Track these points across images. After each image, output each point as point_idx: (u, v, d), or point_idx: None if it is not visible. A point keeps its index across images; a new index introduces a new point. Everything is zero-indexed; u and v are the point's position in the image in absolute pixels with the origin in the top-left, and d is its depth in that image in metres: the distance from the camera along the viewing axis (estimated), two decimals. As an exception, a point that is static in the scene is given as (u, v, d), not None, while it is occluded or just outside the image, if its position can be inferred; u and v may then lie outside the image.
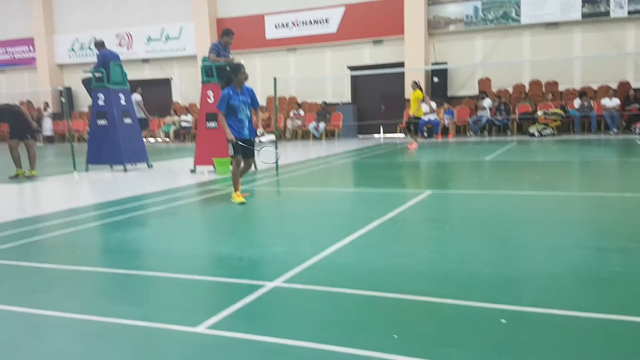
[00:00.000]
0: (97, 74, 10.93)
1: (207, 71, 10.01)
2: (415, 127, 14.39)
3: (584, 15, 16.45)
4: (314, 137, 19.26)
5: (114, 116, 10.82)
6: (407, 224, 5.43)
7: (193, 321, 2.93)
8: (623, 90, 16.01)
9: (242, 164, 6.71)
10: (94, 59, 11.50)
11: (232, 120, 6.55)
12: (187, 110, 21.21)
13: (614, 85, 16.25)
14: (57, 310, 3.23)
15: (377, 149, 14.32)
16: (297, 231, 5.29)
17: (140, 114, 15.02)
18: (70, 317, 3.13)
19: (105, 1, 23.19)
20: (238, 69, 6.54)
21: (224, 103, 6.45)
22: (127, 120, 11.11)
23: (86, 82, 11.38)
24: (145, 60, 23.24)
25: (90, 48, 23.14)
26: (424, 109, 17.19)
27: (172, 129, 21.12)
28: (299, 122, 19.69)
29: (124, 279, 3.91)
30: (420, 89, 13.95)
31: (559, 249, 4.14)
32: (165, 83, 23.15)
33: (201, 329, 2.85)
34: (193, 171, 10.13)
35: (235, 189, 6.61)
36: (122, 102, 11.11)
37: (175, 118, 21.38)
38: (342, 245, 4.46)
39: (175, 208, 6.70)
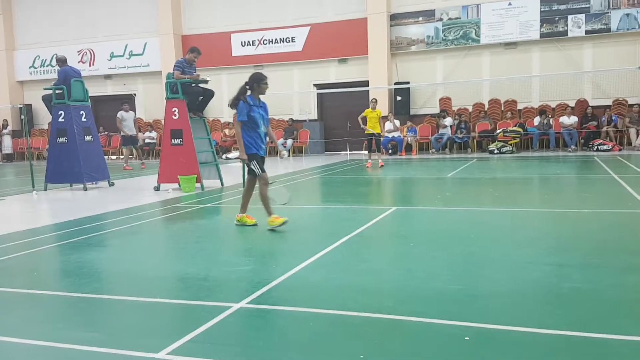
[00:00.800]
0: (57, 91, 10.70)
1: (171, 88, 9.92)
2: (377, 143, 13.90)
3: (542, 35, 17.04)
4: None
5: (74, 133, 10.58)
6: (373, 240, 5.46)
7: (154, 347, 2.85)
8: (581, 108, 16.58)
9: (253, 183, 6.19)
10: (55, 76, 11.25)
11: (251, 134, 5.91)
12: (152, 126, 20.93)
13: (572, 103, 16.82)
14: (13, 336, 3.11)
15: (344, 165, 14.40)
16: (264, 249, 5.24)
17: (133, 130, 15.38)
18: (27, 344, 3.01)
19: (68, 17, 22.84)
20: (261, 77, 5.99)
21: (245, 112, 5.83)
22: (88, 138, 10.88)
23: (46, 99, 11.13)
24: (107, 76, 22.93)
25: (51, 64, 22.72)
26: (387, 127, 17.47)
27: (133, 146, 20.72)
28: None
29: (82, 303, 3.79)
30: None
31: (520, 265, 4.22)
32: (129, 99, 22.78)
33: (162, 355, 2.77)
34: (157, 189, 9.97)
35: (269, 213, 5.97)
36: (83, 119, 10.88)
37: (139, 134, 21.01)
38: (310, 263, 4.45)
39: (137, 227, 6.56)
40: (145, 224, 6.87)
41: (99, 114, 23.35)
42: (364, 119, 13.22)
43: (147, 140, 20.64)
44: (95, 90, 22.97)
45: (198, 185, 9.81)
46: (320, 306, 3.41)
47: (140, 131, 21.07)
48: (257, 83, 5.94)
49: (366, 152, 18.09)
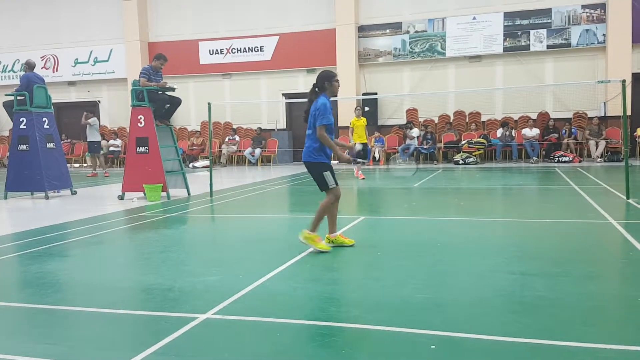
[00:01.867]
0: (19, 97, 10.42)
1: (137, 95, 9.78)
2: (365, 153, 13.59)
3: (505, 49, 17.48)
4: (250, 163, 19.17)
5: (36, 141, 10.31)
6: (341, 249, 5.46)
7: None
8: (542, 121, 17.04)
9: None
10: (18, 82, 10.97)
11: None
12: (116, 134, 20.58)
13: (534, 116, 17.27)
14: (-34, 350, 2.99)
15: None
16: (231, 259, 5.19)
17: (96, 136, 15.16)
18: (-19, 358, 2.90)
19: (31, 23, 22.33)
20: (332, 75, 5.27)
21: (330, 113, 5.13)
22: (50, 145, 10.62)
23: (7, 106, 10.83)
24: (71, 83, 22.47)
25: (13, 70, 22.18)
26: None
27: (100, 153, 20.33)
28: (234, 148, 19.56)
29: (43, 315, 3.68)
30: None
31: (485, 274, 4.29)
32: (93, 106, 22.39)
33: (126, 366, 2.72)
34: (121, 198, 9.78)
35: (332, 231, 5.39)
36: (46, 126, 10.62)
37: (103, 142, 20.62)
38: (277, 273, 4.43)
39: (100, 237, 6.42)
40: (109, 233, 6.73)
41: (62, 121, 22.84)
42: (352, 130, 12.75)
43: (111, 148, 20.26)
44: (58, 96, 22.45)
45: (164, 194, 9.67)
46: (287, 316, 3.40)
47: (104, 138, 20.72)
48: (329, 81, 5.22)
49: (336, 162, 18.26)
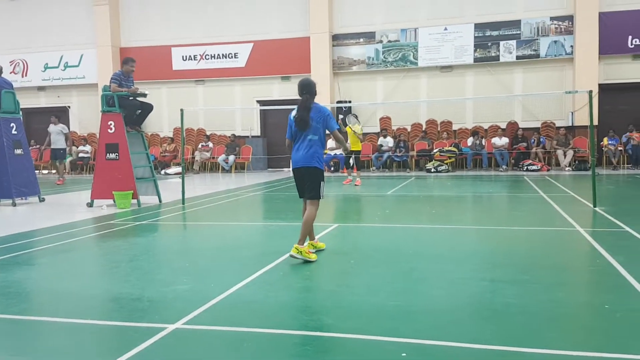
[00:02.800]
0: (-15, 102, 10.16)
1: (107, 100, 9.64)
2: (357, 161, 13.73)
3: (475, 60, 17.79)
4: (223, 170, 19.03)
5: (3, 147, 10.06)
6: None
7: (84, 370, 2.72)
8: (511, 130, 17.37)
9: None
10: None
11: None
12: (86, 140, 20.22)
13: (503, 125, 17.59)
14: None
15: (287, 181, 14.39)
16: (203, 268, 5.13)
17: (64, 144, 14.67)
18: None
19: (0, 27, 21.80)
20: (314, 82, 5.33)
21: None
22: (18, 151, 10.37)
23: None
24: (41, 88, 22.02)
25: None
26: (329, 144, 17.71)
27: (69, 159, 19.96)
28: (208, 155, 19.40)
29: (8, 325, 3.57)
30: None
31: (456, 281, 4.34)
32: (62, 111, 21.98)
33: (93, 377, 2.65)
34: (90, 205, 9.60)
35: (312, 238, 5.47)
36: (14, 131, 10.38)
37: (73, 148, 20.24)
38: (249, 281, 4.39)
39: (68, 245, 6.28)
40: (77, 241, 6.59)
41: (31, 126, 22.35)
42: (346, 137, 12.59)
43: (80, 155, 19.90)
44: (27, 102, 21.95)
45: (134, 201, 9.52)
46: (259, 325, 3.37)
47: (73, 144, 20.34)
48: (315, 89, 5.31)
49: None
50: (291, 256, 5.03)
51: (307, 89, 5.24)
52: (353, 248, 5.93)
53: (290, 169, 5.34)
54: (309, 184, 5.26)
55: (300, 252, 5.03)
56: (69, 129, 14.24)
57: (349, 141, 12.56)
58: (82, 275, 4.93)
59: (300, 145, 5.25)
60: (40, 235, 6.94)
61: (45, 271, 5.13)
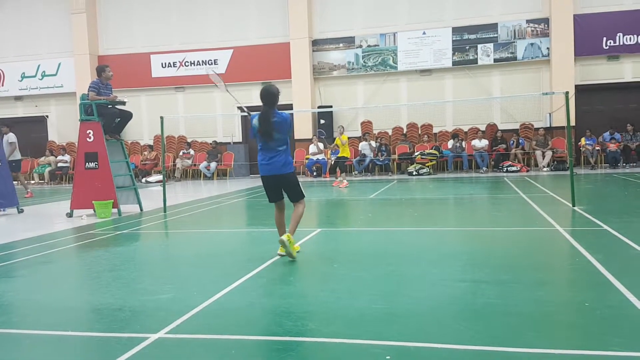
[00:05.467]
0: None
1: (86, 109, 9.54)
2: (342, 166, 14.73)
3: (454, 63, 17.98)
4: (205, 177, 18.93)
5: (-22, 157, 9.90)
6: (298, 262, 5.44)
7: (65, 382, 2.68)
8: (491, 132, 17.56)
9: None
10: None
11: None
12: (65, 149, 19.97)
13: (483, 127, 17.78)
14: None
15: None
16: (185, 276, 5.09)
17: (15, 155, 13.82)
18: None
19: (-27, 35, 21.50)
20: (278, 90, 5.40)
21: None
22: (-6, 162, 10.21)
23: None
24: (18, 98, 21.72)
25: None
26: (311, 149, 17.79)
27: (48, 169, 19.70)
28: (189, 162, 19.28)
29: (-16, 340, 3.51)
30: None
31: (438, 282, 4.37)
32: (40, 121, 21.72)
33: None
34: (70, 215, 9.47)
35: (282, 233, 5.53)
36: (-11, 142, 10.22)
37: (51, 158, 20.01)
38: (232, 288, 4.37)
39: (47, 256, 6.18)
40: (57, 252, 6.49)
41: (8, 136, 21.98)
42: (336, 145, 14.46)
43: (59, 164, 19.64)
44: (4, 112, 21.69)
45: (115, 210, 9.42)
46: (243, 332, 3.35)
47: (52, 154, 20.08)
48: (277, 98, 5.38)
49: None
50: (280, 241, 5.23)
51: (267, 98, 5.31)
52: (336, 252, 5.94)
53: (261, 174, 5.51)
54: (290, 190, 5.52)
55: (290, 241, 5.21)
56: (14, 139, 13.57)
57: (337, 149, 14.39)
58: (63, 287, 4.86)
59: (270, 155, 5.35)
60: (20, 247, 6.82)
61: (25, 283, 5.04)
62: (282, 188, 5.50)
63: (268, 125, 5.24)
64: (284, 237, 5.20)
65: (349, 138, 15.03)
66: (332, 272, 4.95)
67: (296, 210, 5.55)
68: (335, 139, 14.75)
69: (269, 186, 5.50)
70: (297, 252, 5.46)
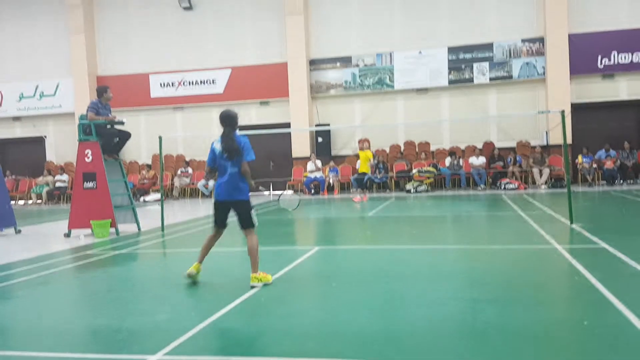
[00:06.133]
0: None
1: (84, 129, 9.57)
2: (360, 182, 16.10)
3: (450, 82, 18.13)
4: (203, 195, 18.92)
5: (-24, 177, 9.90)
6: (296, 281, 5.43)
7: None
8: (488, 150, 17.64)
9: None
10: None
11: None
12: (63, 169, 19.97)
13: (480, 145, 17.86)
14: None
15: (267, 206, 14.35)
16: (183, 296, 5.07)
17: None
18: None
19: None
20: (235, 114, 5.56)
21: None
22: (-8, 182, 10.20)
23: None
24: (16, 118, 21.79)
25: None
26: (309, 167, 17.85)
27: (46, 189, 19.68)
28: (187, 180, 19.30)
29: (-20, 362, 3.48)
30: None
31: (437, 301, 4.35)
32: (39, 141, 21.76)
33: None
34: (67, 235, 9.44)
35: (201, 260, 5.54)
36: (-13, 162, 10.23)
37: (49, 178, 20.00)
38: (230, 309, 4.35)
39: (45, 277, 6.15)
40: (54, 273, 6.46)
41: (7, 157, 22.12)
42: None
43: (57, 184, 19.62)
44: (3, 132, 21.78)
45: (113, 230, 9.40)
46: (240, 353, 3.34)
47: (50, 174, 20.09)
48: (237, 121, 5.55)
49: (290, 191, 18.40)
50: (252, 287, 5.02)
51: (227, 121, 5.47)
52: (334, 271, 5.92)
53: (214, 199, 5.56)
54: (240, 216, 5.36)
55: (259, 279, 5.11)
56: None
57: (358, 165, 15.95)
58: (60, 308, 4.84)
59: (222, 178, 5.39)
60: (17, 267, 6.79)
61: (22, 304, 5.02)
62: (227, 214, 5.45)
63: (232, 144, 5.32)
64: (252, 283, 5.04)
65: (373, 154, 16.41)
66: (330, 291, 4.94)
67: (249, 244, 5.31)
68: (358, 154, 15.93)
69: (219, 210, 5.48)
70: (269, 283, 5.14)
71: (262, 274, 5.17)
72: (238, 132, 5.54)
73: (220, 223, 5.50)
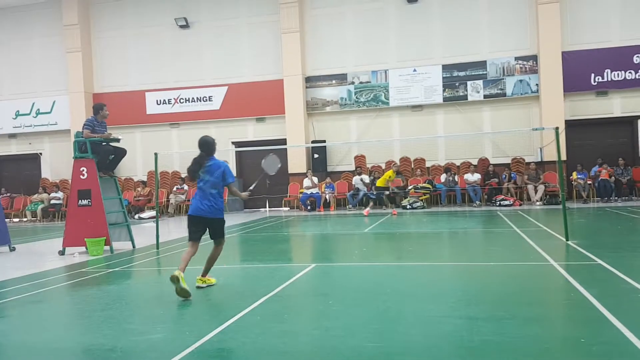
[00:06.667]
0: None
1: (80, 147, 9.57)
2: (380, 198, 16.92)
3: (445, 99, 18.26)
4: (198, 213, 18.83)
5: (-30, 195, 9.85)
6: (292, 299, 5.40)
7: None
8: (483, 166, 17.71)
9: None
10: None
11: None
12: (58, 187, 19.92)
13: (475, 162, 17.93)
14: None
15: (263, 222, 14.32)
16: (178, 314, 5.03)
17: None
18: None
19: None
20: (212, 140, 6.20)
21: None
22: (-14, 199, 10.15)
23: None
24: (12, 135, 21.78)
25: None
26: (305, 183, 17.87)
27: (40, 207, 19.60)
28: (183, 197, 19.25)
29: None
30: (397, 172, 17.30)
31: (433, 319, 4.33)
32: (34, 158, 21.73)
33: None
34: (62, 253, 9.39)
35: (182, 269, 5.86)
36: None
37: (44, 195, 19.93)
38: (225, 327, 4.32)
39: (38, 295, 6.10)
40: (48, 291, 6.41)
41: (2, 174, 22.12)
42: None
43: (52, 201, 19.55)
44: (-2, 150, 21.79)
45: (107, 248, 9.35)
46: (236, 373, 3.30)
47: (45, 191, 20.03)
48: (213, 147, 6.17)
49: (287, 208, 18.40)
50: (198, 287, 5.84)
51: (204, 147, 6.11)
52: (331, 288, 5.90)
53: (189, 213, 6.06)
54: (217, 232, 6.06)
55: (204, 281, 5.99)
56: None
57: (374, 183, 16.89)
58: (53, 327, 4.79)
59: (203, 196, 5.93)
60: (10, 285, 6.73)
61: (14, 323, 4.97)
62: (205, 230, 6.00)
63: (194, 165, 6.01)
64: (198, 284, 5.91)
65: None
66: (326, 309, 4.91)
67: (216, 251, 6.10)
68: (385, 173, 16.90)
69: (196, 224, 5.95)
70: (213, 284, 6.03)
71: (207, 277, 6.06)
72: (216, 156, 6.19)
73: (195, 237, 6.00)
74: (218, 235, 6.05)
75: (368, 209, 15.87)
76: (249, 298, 5.26)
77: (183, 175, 19.98)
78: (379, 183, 16.94)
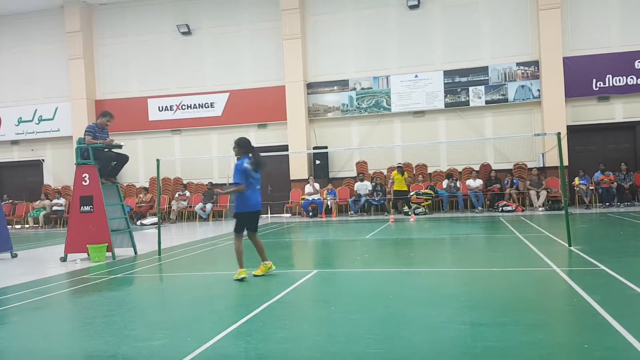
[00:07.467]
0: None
1: (82, 153, 9.59)
2: (404, 201, 16.82)
3: (446, 105, 18.26)
4: (201, 218, 18.87)
5: (-28, 201, 9.87)
6: (293, 305, 5.39)
7: None
8: (485, 172, 17.69)
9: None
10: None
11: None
12: (60, 193, 19.94)
13: (477, 167, 17.92)
14: None
15: (265, 228, 14.31)
16: (179, 321, 5.01)
17: None
18: None
19: (-28, 80, 21.79)
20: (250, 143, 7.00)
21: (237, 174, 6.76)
22: (-11, 206, 10.17)
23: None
24: (14, 142, 21.84)
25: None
26: (307, 189, 17.87)
27: (42, 213, 19.62)
28: (185, 203, 19.26)
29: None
30: (402, 172, 16.76)
31: (437, 325, 4.32)
32: (36, 165, 21.78)
33: None
34: (64, 260, 9.38)
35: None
36: (-16, 186, 10.21)
37: (46, 202, 19.96)
38: (227, 333, 4.31)
39: (40, 302, 6.10)
40: (50, 298, 6.40)
41: (5, 181, 22.15)
42: (392, 182, 16.68)
43: (54, 208, 19.57)
44: (0, 156, 21.79)
45: (109, 254, 9.35)
46: (238, 379, 3.29)
47: (47, 198, 20.06)
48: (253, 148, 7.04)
49: (288, 214, 18.39)
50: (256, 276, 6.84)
51: (250, 147, 6.98)
52: (332, 294, 5.88)
53: (251, 210, 6.87)
54: (256, 222, 7.05)
55: (269, 267, 7.10)
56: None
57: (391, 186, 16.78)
58: (55, 333, 4.78)
59: (258, 192, 6.84)
60: (12, 292, 6.73)
61: (16, 330, 4.96)
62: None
63: (261, 159, 6.94)
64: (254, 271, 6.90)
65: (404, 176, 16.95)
66: (328, 315, 4.89)
67: (259, 240, 7.15)
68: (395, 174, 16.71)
69: (254, 219, 6.96)
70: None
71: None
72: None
73: (253, 229, 7.01)
74: (256, 226, 7.04)
75: (411, 214, 16.04)
76: (250, 305, 5.25)
77: (185, 181, 20.00)
78: (396, 187, 16.71)
